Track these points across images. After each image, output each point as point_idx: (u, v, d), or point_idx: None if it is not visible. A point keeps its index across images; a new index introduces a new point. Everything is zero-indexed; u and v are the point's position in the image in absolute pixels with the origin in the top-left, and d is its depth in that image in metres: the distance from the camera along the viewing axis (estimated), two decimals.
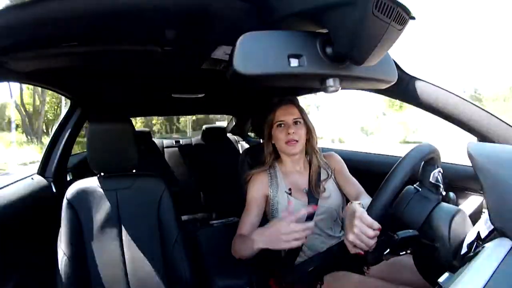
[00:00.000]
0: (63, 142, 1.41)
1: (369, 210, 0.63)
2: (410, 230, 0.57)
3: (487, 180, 0.45)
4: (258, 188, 1.00)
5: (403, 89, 0.86)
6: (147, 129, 2.60)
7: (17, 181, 1.19)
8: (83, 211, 0.99)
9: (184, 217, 2.11)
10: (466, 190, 0.94)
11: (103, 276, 0.97)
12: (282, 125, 0.99)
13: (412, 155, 0.62)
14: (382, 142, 13.70)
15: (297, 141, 0.97)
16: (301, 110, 1.02)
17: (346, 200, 1.04)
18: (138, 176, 1.08)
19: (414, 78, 0.85)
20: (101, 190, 1.03)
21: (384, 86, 0.58)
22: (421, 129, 14.97)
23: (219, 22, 0.63)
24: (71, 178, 1.54)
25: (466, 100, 0.80)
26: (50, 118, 13.67)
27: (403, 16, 0.44)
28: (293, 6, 0.51)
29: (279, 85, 0.52)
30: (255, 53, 0.44)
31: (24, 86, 11.68)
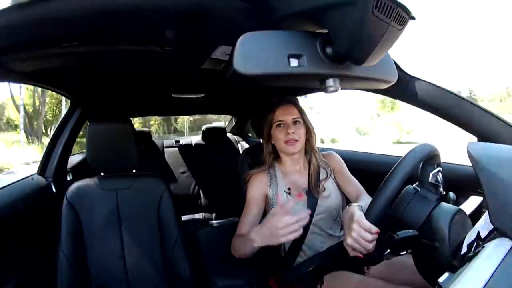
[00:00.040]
0: (63, 142, 1.41)
1: (367, 213, 0.63)
2: (410, 230, 0.57)
3: (487, 180, 0.45)
4: (257, 188, 1.00)
5: (403, 89, 0.86)
6: (147, 129, 2.60)
7: (17, 181, 1.19)
8: (83, 211, 0.99)
9: (184, 217, 2.11)
10: (466, 190, 0.94)
11: (103, 276, 0.97)
12: (282, 125, 1.00)
13: (411, 156, 0.62)
14: (375, 142, 13.90)
15: (296, 140, 0.98)
16: (300, 110, 1.02)
17: (346, 199, 1.04)
18: (138, 176, 1.08)
19: (414, 78, 0.85)
20: (101, 190, 1.03)
21: (384, 86, 0.58)
22: (415, 130, 15.23)
23: (219, 22, 0.63)
24: (71, 178, 1.54)
25: (466, 100, 0.80)
26: (49, 118, 13.69)
27: (403, 16, 0.44)
28: (293, 6, 0.51)
29: (279, 85, 0.52)
30: (255, 53, 0.44)
31: (24, 86, 11.74)
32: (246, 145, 2.50)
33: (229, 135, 2.63)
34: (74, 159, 1.68)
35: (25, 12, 0.56)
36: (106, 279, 0.97)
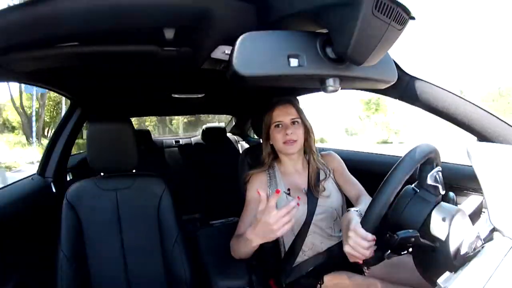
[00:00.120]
0: (63, 142, 1.41)
1: (363, 221, 0.64)
2: (410, 230, 0.57)
3: (487, 180, 0.45)
4: (257, 188, 0.99)
5: (403, 89, 0.86)
6: (146, 129, 2.60)
7: (17, 181, 1.19)
8: (83, 211, 0.99)
9: (184, 217, 2.11)
10: (466, 190, 0.94)
11: (103, 276, 0.97)
12: (280, 126, 0.99)
13: (408, 160, 0.61)
14: (361, 142, 14.40)
15: (295, 141, 0.97)
16: (298, 110, 1.01)
17: (346, 199, 1.04)
18: (138, 176, 1.08)
19: (414, 78, 0.85)
20: (101, 190, 1.03)
21: (384, 86, 0.58)
22: (403, 130, 15.89)
23: (219, 22, 0.63)
24: (71, 178, 1.54)
25: (466, 100, 0.80)
26: (47, 120, 13.74)
27: (403, 16, 0.44)
28: (293, 6, 0.51)
29: (279, 85, 0.52)
30: (255, 53, 0.44)
31: (23, 88, 11.82)
32: (246, 145, 2.50)
33: (229, 135, 2.63)
34: (74, 159, 1.68)
35: (25, 12, 0.56)
36: (106, 279, 0.97)
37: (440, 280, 0.46)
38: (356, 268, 0.90)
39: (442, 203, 0.61)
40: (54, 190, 1.32)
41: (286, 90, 1.34)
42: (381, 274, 0.85)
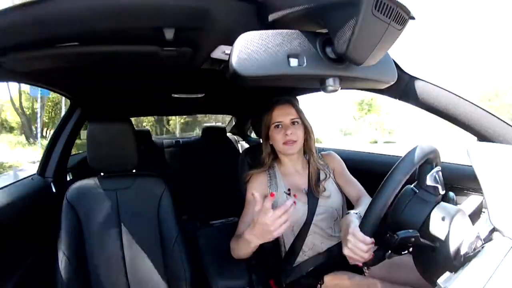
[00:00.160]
0: (63, 142, 1.41)
1: (362, 225, 0.64)
2: (410, 230, 0.57)
3: (487, 180, 0.45)
4: (257, 188, 0.99)
5: (403, 89, 0.86)
6: (146, 129, 2.60)
7: (17, 181, 1.19)
8: (83, 211, 0.99)
9: (184, 217, 2.11)
10: (466, 190, 0.94)
11: (103, 276, 0.97)
12: (280, 126, 0.99)
13: (407, 161, 0.61)
14: (355, 142, 14.96)
15: (295, 141, 0.97)
16: (298, 110, 1.01)
17: (346, 199, 1.04)
18: (138, 176, 1.08)
19: (414, 78, 0.85)
20: (101, 190, 1.03)
21: (383, 86, 0.58)
22: (397, 130, 16.63)
23: (218, 22, 0.63)
24: (71, 178, 1.54)
25: (466, 100, 0.80)
26: (46, 121, 13.77)
27: (403, 16, 0.44)
28: (293, 6, 0.51)
29: (278, 85, 0.52)
30: (254, 53, 0.44)
31: (22, 88, 11.89)
32: (246, 145, 2.50)
33: (229, 135, 2.63)
34: (74, 159, 1.68)
35: (25, 12, 0.56)
36: (106, 279, 0.97)
37: (440, 280, 0.46)
38: (356, 268, 0.90)
39: (442, 203, 0.61)
40: (54, 190, 1.32)
41: (286, 90, 1.34)
42: (381, 274, 0.85)
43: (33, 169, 1.39)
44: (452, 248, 0.53)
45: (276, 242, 1.02)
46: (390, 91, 0.88)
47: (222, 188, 2.15)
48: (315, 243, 0.97)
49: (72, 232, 0.96)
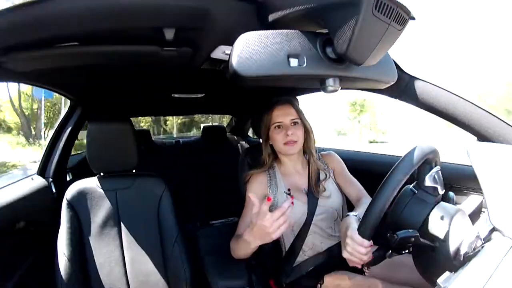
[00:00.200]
0: (63, 142, 1.41)
1: (360, 228, 0.64)
2: (410, 230, 0.57)
3: (487, 180, 0.45)
4: (257, 188, 0.99)
5: (403, 89, 0.86)
6: (147, 129, 2.60)
7: (17, 181, 1.19)
8: (83, 211, 0.99)
9: (184, 217, 2.11)
10: (466, 190, 0.94)
11: (103, 276, 0.97)
12: (280, 127, 0.99)
13: (406, 163, 0.60)
14: (349, 142, 15.51)
15: (295, 141, 0.97)
16: (298, 110, 1.01)
17: (346, 199, 1.04)
18: (138, 176, 1.08)
19: (414, 78, 0.85)
20: (101, 190, 1.03)
21: (383, 86, 0.58)
22: (390, 131, 17.28)
23: (218, 22, 0.63)
24: (71, 178, 1.54)
25: (466, 100, 0.80)
26: (44, 121, 13.80)
27: (403, 16, 0.44)
28: (293, 6, 0.51)
29: (278, 85, 0.52)
30: (254, 53, 0.44)
31: (21, 90, 11.97)
32: (246, 145, 2.50)
33: (229, 135, 2.63)
34: (74, 159, 1.68)
35: (25, 12, 0.56)
36: (106, 279, 0.97)
37: (440, 280, 0.46)
38: (356, 268, 0.89)
39: (442, 203, 0.61)
40: (54, 190, 1.32)
41: (286, 90, 1.34)
42: (382, 274, 0.86)
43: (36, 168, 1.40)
44: (452, 248, 0.53)
45: (276, 242, 1.02)
46: (390, 91, 0.88)
47: (222, 188, 2.15)
48: (315, 243, 0.97)
49: (72, 232, 0.96)
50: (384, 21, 0.42)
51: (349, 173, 1.06)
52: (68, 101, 1.46)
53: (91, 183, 1.03)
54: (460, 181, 0.95)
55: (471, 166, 0.49)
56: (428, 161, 0.63)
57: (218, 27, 0.65)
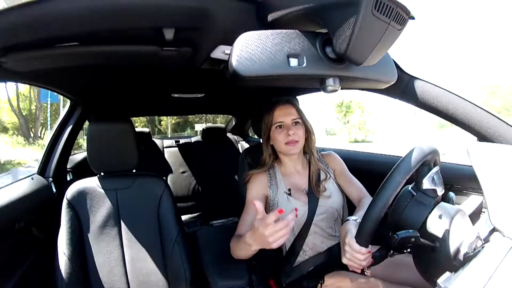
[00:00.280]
0: (63, 142, 1.41)
1: (358, 234, 0.64)
2: (410, 230, 0.57)
3: (487, 180, 0.45)
4: (257, 188, 0.99)
5: (403, 89, 0.86)
6: (147, 129, 2.60)
7: (17, 181, 1.19)
8: (83, 211, 0.99)
9: (184, 217, 2.11)
10: (466, 190, 0.94)
11: (103, 276, 0.97)
12: (281, 126, 0.99)
13: (404, 165, 0.59)
14: (338, 141, 16.17)
15: (297, 141, 0.97)
16: (298, 110, 1.01)
17: (347, 199, 1.04)
18: (138, 176, 1.08)
19: (414, 78, 0.85)
20: (101, 190, 1.03)
21: (383, 86, 0.58)
22: (378, 131, 17.88)
23: (218, 22, 0.63)
24: (71, 178, 1.54)
25: (466, 100, 0.80)
26: (42, 121, 13.83)
27: (402, 16, 0.44)
28: (293, 6, 0.51)
29: (278, 85, 0.52)
30: (254, 53, 0.44)
31: (19, 90, 12.03)
32: (246, 145, 2.50)
33: (229, 135, 2.63)
34: (74, 159, 1.68)
35: (25, 12, 0.56)
36: (106, 279, 0.97)
37: (440, 280, 0.46)
38: None
39: (442, 203, 0.61)
40: (54, 190, 1.32)
41: (286, 90, 1.34)
42: (382, 274, 0.85)
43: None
44: (452, 248, 0.53)
45: None
46: (390, 91, 0.88)
47: (222, 188, 2.15)
48: (316, 243, 0.97)
49: (72, 232, 0.96)
50: (383, 21, 0.42)
51: (349, 173, 1.05)
52: (69, 101, 1.46)
53: (91, 183, 1.04)
54: (460, 181, 0.95)
55: (471, 166, 0.49)
56: (426, 163, 0.62)
57: (218, 27, 0.65)
